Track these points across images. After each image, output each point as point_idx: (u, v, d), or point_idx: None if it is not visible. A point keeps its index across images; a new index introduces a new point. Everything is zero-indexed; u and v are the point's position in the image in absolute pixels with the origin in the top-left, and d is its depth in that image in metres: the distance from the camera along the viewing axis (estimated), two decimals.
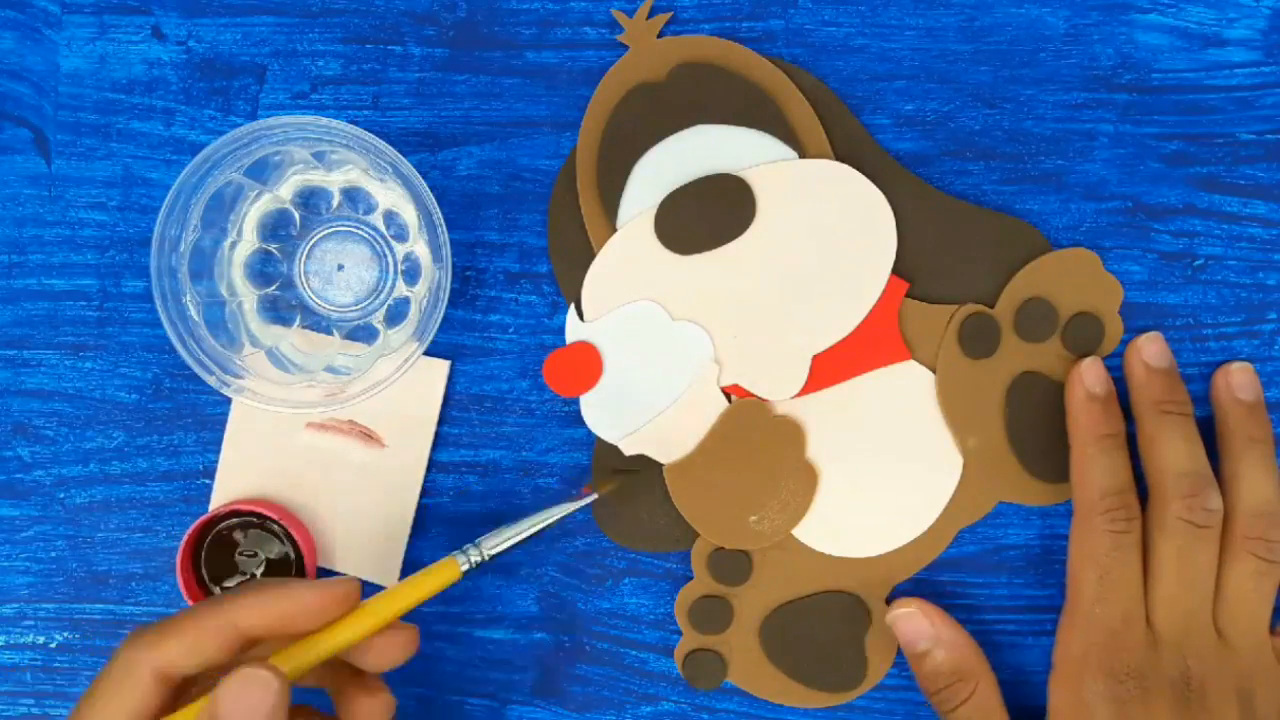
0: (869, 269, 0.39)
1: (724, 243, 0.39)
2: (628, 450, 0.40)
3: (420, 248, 0.39)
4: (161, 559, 0.41)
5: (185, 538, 0.39)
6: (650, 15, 0.39)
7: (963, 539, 0.40)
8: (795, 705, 0.40)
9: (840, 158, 0.39)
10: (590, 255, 0.39)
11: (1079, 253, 0.39)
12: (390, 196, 0.39)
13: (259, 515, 0.40)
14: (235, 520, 0.40)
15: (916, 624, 0.38)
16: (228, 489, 0.40)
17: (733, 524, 0.39)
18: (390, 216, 0.39)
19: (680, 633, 0.40)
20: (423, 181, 0.35)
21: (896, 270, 0.39)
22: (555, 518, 0.37)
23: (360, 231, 0.39)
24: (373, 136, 0.35)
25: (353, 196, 0.39)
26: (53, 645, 0.41)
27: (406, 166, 0.35)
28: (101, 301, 0.40)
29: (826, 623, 0.40)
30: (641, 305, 0.39)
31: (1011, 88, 0.39)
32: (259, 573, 0.40)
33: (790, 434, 0.39)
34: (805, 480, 0.39)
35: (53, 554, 0.41)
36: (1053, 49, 0.39)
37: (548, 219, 0.40)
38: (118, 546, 0.41)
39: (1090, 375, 0.38)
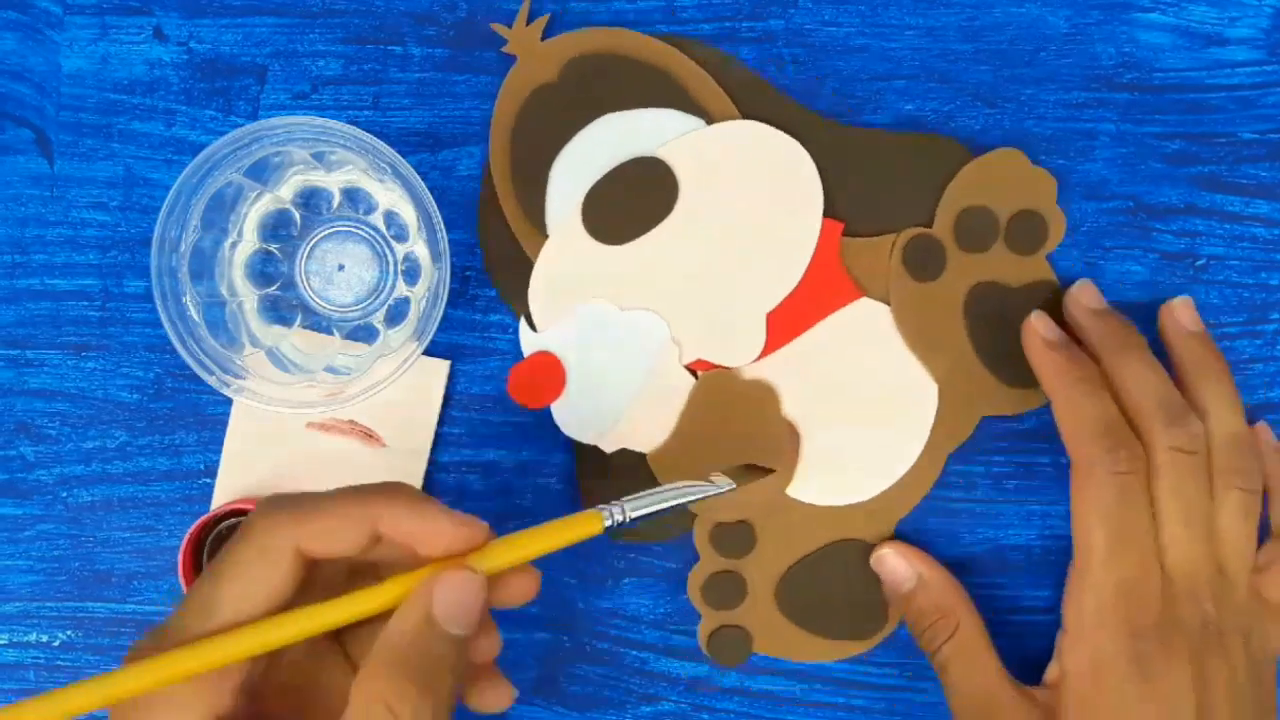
0: (800, 218, 0.39)
1: (654, 224, 0.39)
2: (608, 448, 0.40)
3: (420, 248, 0.39)
4: (163, 558, 0.41)
5: (187, 537, 0.39)
6: (530, 20, 0.39)
7: (964, 540, 0.40)
8: (827, 659, 0.40)
9: (747, 116, 0.39)
10: (528, 265, 0.39)
11: (1003, 153, 0.39)
12: (390, 196, 0.39)
13: None
14: (236, 519, 0.40)
15: (897, 566, 0.39)
16: (229, 488, 0.40)
17: (727, 496, 0.39)
18: (390, 216, 0.39)
19: (694, 620, 0.40)
20: (422, 182, 0.35)
21: (828, 213, 0.39)
22: (694, 498, 0.33)
23: (360, 231, 0.39)
24: (372, 137, 0.35)
25: (353, 196, 0.39)
26: (56, 644, 0.41)
27: (406, 167, 0.35)
28: (104, 301, 0.41)
29: (838, 573, 0.40)
30: (590, 304, 0.39)
31: (1012, 87, 0.39)
32: None
33: (763, 395, 0.39)
34: (788, 437, 0.39)
35: (55, 553, 0.41)
36: (1054, 48, 0.39)
37: (479, 241, 0.40)
38: (120, 545, 0.41)
39: (1041, 325, 0.37)
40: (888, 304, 0.39)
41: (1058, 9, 0.39)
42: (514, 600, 0.32)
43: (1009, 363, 0.39)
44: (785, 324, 0.39)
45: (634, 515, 0.32)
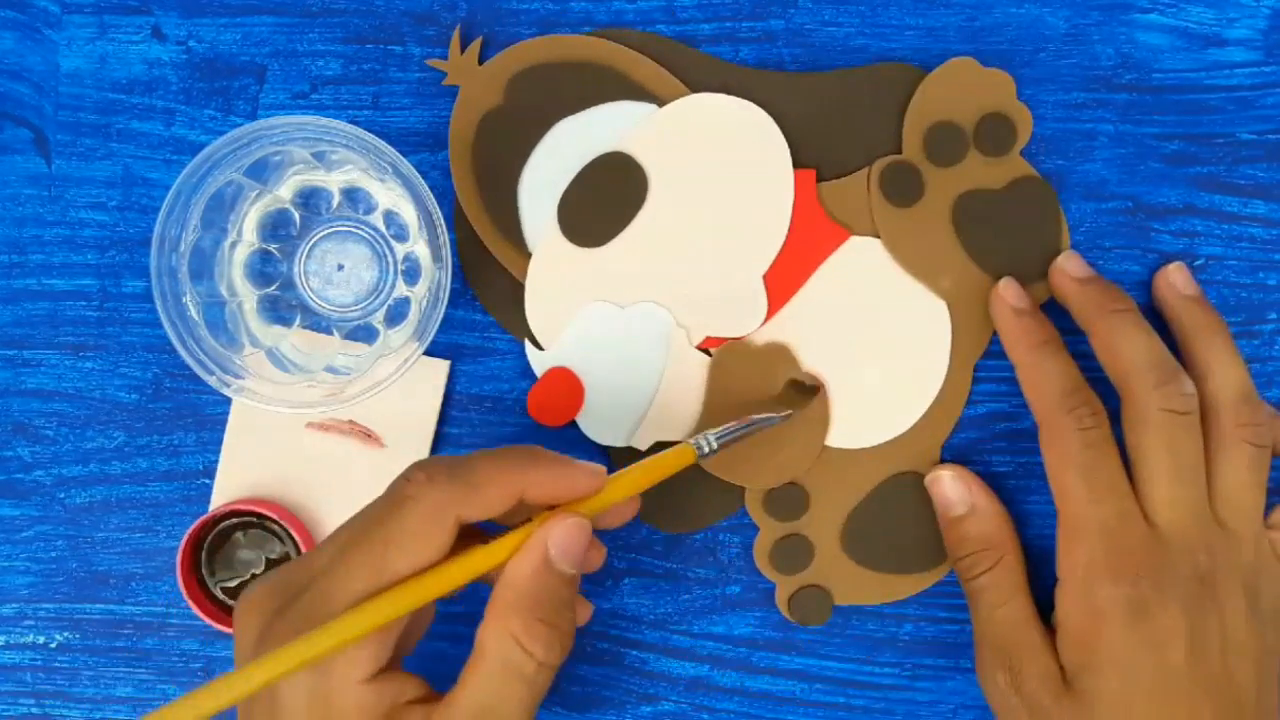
0: (771, 175, 0.39)
1: (632, 217, 0.39)
2: (642, 445, 0.40)
3: (420, 248, 0.39)
4: (161, 559, 0.41)
5: (185, 538, 0.39)
6: (464, 46, 0.39)
7: None
8: (911, 594, 0.40)
9: (695, 89, 0.39)
10: (518, 288, 0.39)
11: (953, 63, 0.39)
12: (390, 196, 0.39)
13: (259, 515, 0.40)
14: (235, 520, 0.40)
15: (953, 488, 0.39)
16: (228, 489, 0.40)
17: (769, 463, 0.39)
18: (390, 216, 0.39)
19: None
20: (423, 181, 0.35)
21: (797, 164, 0.39)
22: (763, 425, 0.37)
23: (360, 231, 0.39)
24: (373, 136, 0.35)
25: (353, 196, 0.39)
26: (53, 645, 0.41)
27: (406, 166, 0.35)
28: (102, 301, 0.40)
29: (899, 509, 0.40)
30: (589, 309, 0.39)
31: None
32: (259, 573, 0.40)
33: (780, 356, 0.39)
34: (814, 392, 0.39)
35: (53, 554, 0.41)
36: (1053, 49, 0.39)
37: (464, 275, 0.40)
38: (118, 546, 0.41)
39: (1010, 294, 0.38)
40: (877, 237, 0.39)
41: (1057, 10, 0.39)
42: (618, 522, 0.36)
43: (1007, 265, 0.39)
44: (783, 282, 0.39)
45: (718, 445, 0.36)
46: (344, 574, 0.31)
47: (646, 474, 0.34)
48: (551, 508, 0.33)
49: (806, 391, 0.39)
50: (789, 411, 0.38)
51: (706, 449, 0.36)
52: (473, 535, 0.33)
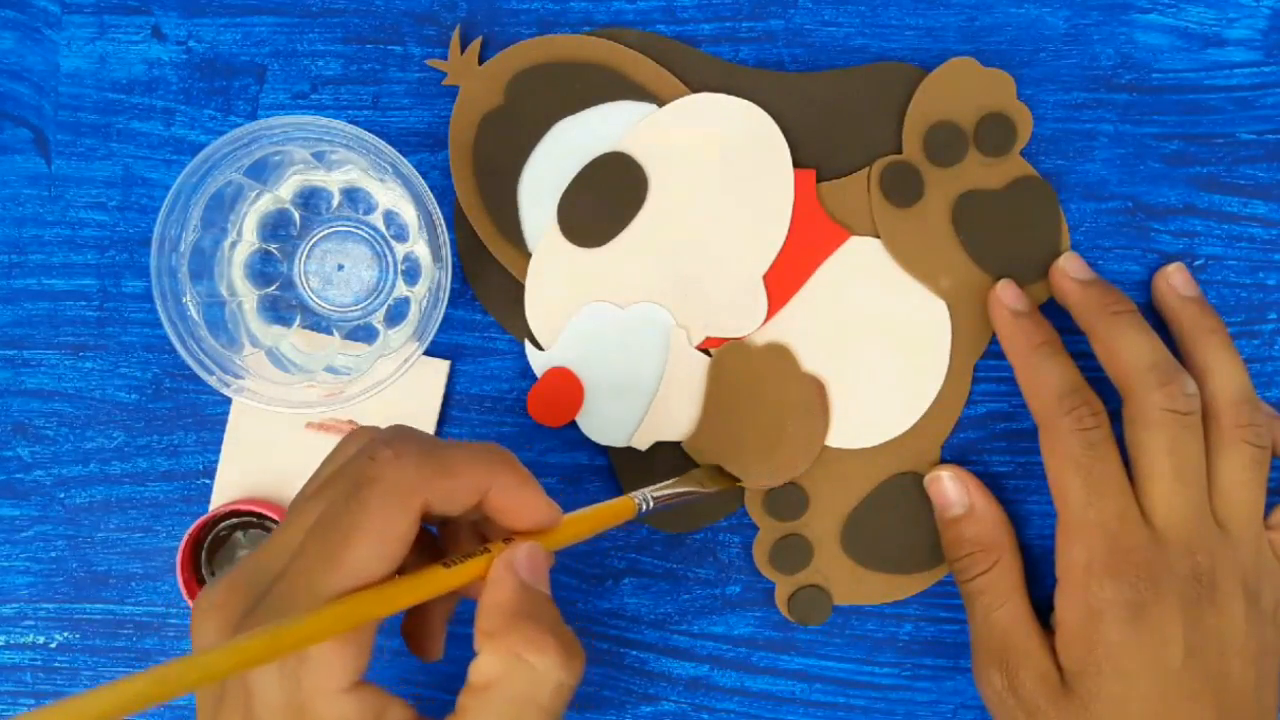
0: (772, 175, 0.39)
1: (632, 217, 0.39)
2: (642, 446, 0.40)
3: (420, 248, 0.39)
4: (161, 559, 0.41)
5: (185, 538, 0.39)
6: (464, 47, 0.39)
7: None
8: (911, 593, 0.40)
9: (695, 89, 0.39)
10: (518, 289, 0.39)
11: (954, 63, 0.39)
12: (390, 196, 0.39)
13: (259, 515, 0.40)
14: (235, 520, 0.40)
15: (948, 489, 0.39)
16: (228, 489, 0.40)
17: (769, 463, 0.39)
18: (390, 216, 0.39)
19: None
20: (423, 181, 0.35)
21: (797, 164, 0.39)
22: (694, 496, 0.38)
23: (360, 231, 0.39)
24: (373, 136, 0.35)
25: (353, 196, 0.39)
26: (53, 645, 0.41)
27: (406, 166, 0.35)
28: (101, 301, 0.40)
29: (899, 508, 0.40)
30: (589, 309, 0.39)
31: None
32: None
33: (780, 356, 0.39)
34: (814, 391, 0.39)
35: (53, 554, 0.41)
36: (1053, 49, 0.39)
37: (464, 274, 0.40)
38: (118, 546, 0.41)
39: (1008, 295, 0.38)
40: (877, 237, 0.39)
41: (1057, 10, 0.39)
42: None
43: (1007, 266, 0.39)
44: (783, 282, 0.39)
45: (654, 504, 0.36)
46: (306, 569, 0.27)
47: (589, 522, 0.33)
48: (506, 540, 0.31)
49: (729, 477, 0.39)
50: (715, 489, 0.38)
51: (645, 507, 0.35)
52: (428, 552, 0.32)
